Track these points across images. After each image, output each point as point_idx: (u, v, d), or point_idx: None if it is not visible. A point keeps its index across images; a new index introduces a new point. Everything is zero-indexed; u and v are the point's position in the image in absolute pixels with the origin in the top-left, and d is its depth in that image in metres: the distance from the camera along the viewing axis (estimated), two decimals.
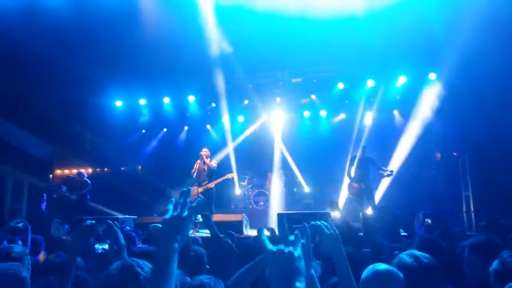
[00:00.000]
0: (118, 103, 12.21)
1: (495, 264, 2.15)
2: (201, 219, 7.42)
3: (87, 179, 10.15)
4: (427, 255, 2.05)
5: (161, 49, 8.84)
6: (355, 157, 9.14)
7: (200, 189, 8.71)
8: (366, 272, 1.88)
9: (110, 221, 2.51)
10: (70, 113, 10.59)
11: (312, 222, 1.56)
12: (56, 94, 9.99)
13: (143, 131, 12.97)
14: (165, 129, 13.08)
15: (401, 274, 1.87)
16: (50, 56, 9.36)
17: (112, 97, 11.99)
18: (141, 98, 12.06)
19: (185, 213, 1.37)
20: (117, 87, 11.12)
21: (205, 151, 8.81)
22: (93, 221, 2.46)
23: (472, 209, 8.59)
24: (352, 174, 9.02)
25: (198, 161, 8.78)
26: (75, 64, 9.82)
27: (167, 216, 1.36)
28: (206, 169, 8.69)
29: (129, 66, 9.61)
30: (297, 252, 1.25)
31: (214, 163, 8.79)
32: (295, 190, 11.25)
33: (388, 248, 3.49)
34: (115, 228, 2.49)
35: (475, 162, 8.75)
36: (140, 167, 12.62)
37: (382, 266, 1.90)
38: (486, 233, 3.25)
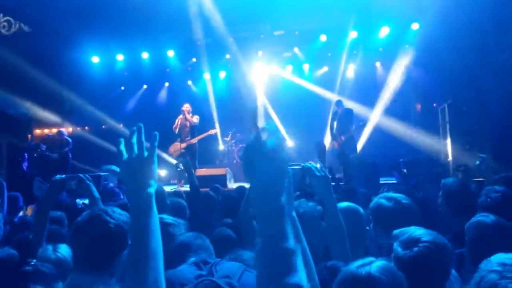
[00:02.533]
0: (95, 59, 11.73)
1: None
2: (182, 167, 7.35)
3: (67, 137, 9.91)
4: (404, 196, 2.03)
5: (138, 1, 8.41)
6: (335, 112, 9.14)
7: (183, 145, 8.65)
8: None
9: (81, 175, 2.45)
10: (47, 71, 10.15)
11: (303, 164, 1.49)
12: (31, 50, 9.52)
13: (122, 88, 12.61)
14: (145, 86, 12.73)
15: (361, 210, 2.03)
16: (22, 14, 8.84)
17: (88, 53, 11.49)
18: (119, 54, 11.58)
19: (145, 153, 1.19)
20: (93, 42, 10.61)
21: (186, 107, 8.66)
22: (63, 176, 2.40)
23: (450, 157, 8.74)
24: (334, 128, 9.06)
25: (180, 116, 8.66)
26: (48, 17, 9.29)
27: (124, 157, 1.18)
28: (188, 125, 8.59)
29: (105, 19, 9.17)
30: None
31: (195, 119, 8.68)
32: None
33: (360, 194, 3.52)
34: (88, 182, 2.42)
35: (454, 112, 8.81)
36: (121, 125, 12.35)
37: (344, 203, 2.04)
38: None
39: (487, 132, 8.11)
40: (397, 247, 1.50)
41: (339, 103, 9.09)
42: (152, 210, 1.16)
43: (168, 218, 2.09)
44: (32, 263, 1.55)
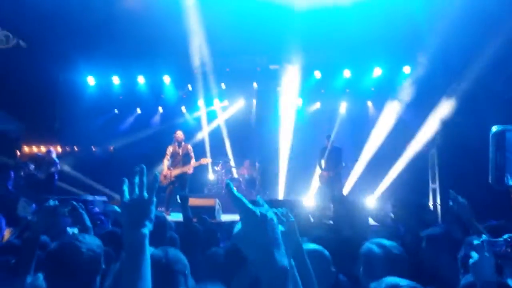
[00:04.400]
0: (90, 81, 11.80)
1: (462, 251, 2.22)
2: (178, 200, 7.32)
3: (55, 157, 9.83)
4: (396, 245, 2.08)
5: (137, 25, 8.56)
6: (325, 147, 9.29)
7: (174, 172, 8.62)
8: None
9: (74, 203, 2.44)
10: (40, 89, 10.18)
11: (274, 209, 1.52)
12: (25, 69, 9.57)
13: (116, 111, 12.65)
14: (138, 110, 12.80)
15: (326, 252, 2.07)
16: (19, 29, 8.92)
17: (84, 74, 11.57)
18: (115, 76, 11.66)
19: (146, 194, 1.27)
20: (89, 62, 10.71)
21: (180, 134, 8.68)
22: (57, 202, 2.39)
23: (438, 202, 8.85)
24: (323, 164, 9.23)
25: (173, 144, 8.66)
26: (46, 34, 9.39)
27: (125, 199, 1.25)
28: (180, 153, 8.57)
29: (104, 41, 9.26)
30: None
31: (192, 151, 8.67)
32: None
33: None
34: (80, 211, 2.42)
35: (443, 156, 8.99)
36: (112, 147, 12.32)
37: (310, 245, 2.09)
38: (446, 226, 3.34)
39: (475, 179, 8.26)
40: None
41: (328, 137, 9.30)
42: (144, 251, 1.20)
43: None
44: None
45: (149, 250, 1.22)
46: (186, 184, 8.60)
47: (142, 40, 9.29)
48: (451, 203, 3.22)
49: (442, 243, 2.49)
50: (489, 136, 1.39)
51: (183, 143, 8.66)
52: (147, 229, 1.24)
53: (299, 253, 1.74)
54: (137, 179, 1.29)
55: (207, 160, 8.76)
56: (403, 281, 1.55)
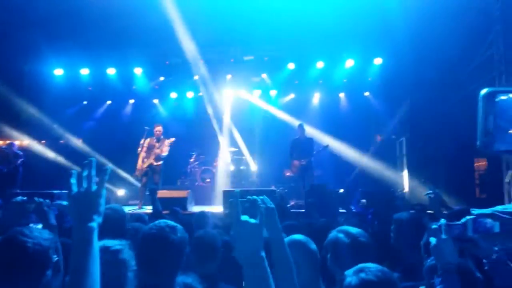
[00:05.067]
0: (58, 72, 11.35)
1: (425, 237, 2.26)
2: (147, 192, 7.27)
3: (18, 151, 9.46)
4: (362, 232, 2.09)
5: (108, 15, 8.32)
6: (297, 137, 9.43)
7: (146, 164, 8.51)
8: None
9: (37, 199, 2.35)
10: (4, 80, 9.74)
11: (249, 197, 1.51)
12: None
13: (85, 102, 12.29)
14: (109, 102, 12.47)
15: (311, 243, 2.06)
16: None
17: (52, 65, 11.11)
18: (84, 68, 11.29)
19: (94, 187, 1.25)
20: (57, 54, 10.30)
21: (160, 129, 8.61)
22: (25, 198, 2.31)
23: (406, 189, 9.09)
24: (295, 154, 9.33)
25: (151, 138, 8.59)
26: (10, 28, 8.98)
27: (73, 192, 1.24)
28: (157, 147, 8.52)
29: (72, 31, 8.96)
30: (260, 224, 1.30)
31: (166, 150, 8.55)
32: (242, 168, 11.28)
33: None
34: (44, 207, 2.33)
35: (412, 144, 9.22)
36: (81, 140, 11.97)
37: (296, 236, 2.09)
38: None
39: (442, 167, 8.54)
40: (346, 276, 1.55)
41: (300, 126, 9.40)
42: (91, 245, 1.19)
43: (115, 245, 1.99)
44: None
45: (97, 244, 1.22)
46: (159, 177, 8.48)
47: (113, 31, 9.04)
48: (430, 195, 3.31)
49: (409, 227, 2.54)
50: (478, 100, 1.35)
51: (162, 137, 8.58)
52: (95, 223, 1.23)
53: (278, 240, 1.75)
54: (85, 172, 1.27)
55: (170, 140, 8.68)
56: (371, 265, 1.57)
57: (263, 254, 1.26)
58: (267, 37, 9.69)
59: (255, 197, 1.61)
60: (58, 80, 11.36)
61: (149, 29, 9.14)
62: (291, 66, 11.11)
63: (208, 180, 10.89)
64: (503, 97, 1.32)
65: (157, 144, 8.52)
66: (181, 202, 7.44)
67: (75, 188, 1.24)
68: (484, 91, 1.36)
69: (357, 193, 7.47)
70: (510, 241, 1.39)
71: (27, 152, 10.02)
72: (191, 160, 11.34)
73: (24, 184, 8.83)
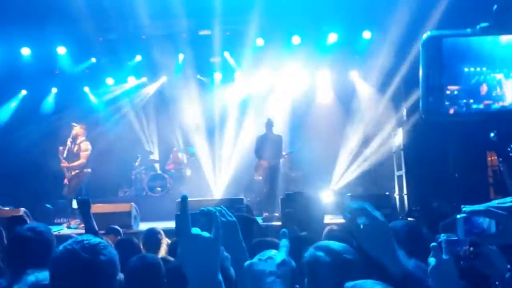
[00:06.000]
0: None
1: None
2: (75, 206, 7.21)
3: None
4: (347, 248, 2.09)
5: None
6: (264, 134, 9.57)
7: (73, 173, 8.45)
8: None
9: None
10: None
11: (203, 208, 1.50)
12: None
13: None
14: (24, 91, 12.04)
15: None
16: None
17: None
18: None
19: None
20: None
21: (77, 129, 8.67)
22: None
23: (405, 191, 9.31)
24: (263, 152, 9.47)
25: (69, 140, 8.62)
26: None
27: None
28: (74, 151, 8.62)
29: None
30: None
31: (88, 149, 8.68)
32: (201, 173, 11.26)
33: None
34: None
35: (409, 140, 9.44)
36: None
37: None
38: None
39: (446, 163, 8.81)
40: None
41: (270, 124, 9.56)
42: None
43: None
44: None
45: None
46: (81, 186, 8.62)
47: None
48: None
49: (405, 238, 2.57)
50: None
51: (80, 138, 8.66)
52: None
53: (242, 255, 1.75)
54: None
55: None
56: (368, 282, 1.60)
57: (219, 277, 1.25)
58: (228, 6, 9.66)
59: (210, 208, 1.60)
60: None
61: None
62: (259, 42, 11.10)
63: (158, 188, 10.78)
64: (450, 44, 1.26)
65: (73, 147, 8.66)
66: (123, 218, 7.37)
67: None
68: (425, 36, 1.30)
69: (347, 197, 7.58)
70: (506, 241, 1.35)
71: None
72: (136, 163, 11.20)
73: None
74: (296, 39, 11.02)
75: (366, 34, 10.70)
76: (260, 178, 9.95)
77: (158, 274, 2.55)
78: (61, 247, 1.70)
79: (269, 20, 10.41)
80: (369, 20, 10.24)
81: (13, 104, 11.91)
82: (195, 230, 1.28)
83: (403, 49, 9.16)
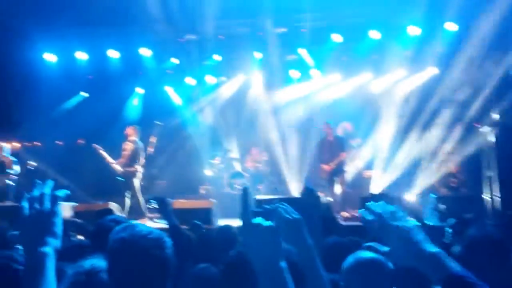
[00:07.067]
0: (50, 58, 11.58)
1: None
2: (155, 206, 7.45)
3: (11, 155, 9.81)
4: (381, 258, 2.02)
5: None
6: (325, 138, 9.70)
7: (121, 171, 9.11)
8: (348, 261, 2.05)
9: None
10: None
11: (266, 206, 1.50)
12: None
13: (86, 94, 12.58)
14: (112, 93, 12.66)
15: (390, 264, 2.01)
16: None
17: (42, 50, 11.38)
18: (79, 51, 11.47)
19: (47, 205, 1.35)
20: (46, 36, 10.55)
21: (128, 130, 9.35)
22: None
23: (496, 193, 8.72)
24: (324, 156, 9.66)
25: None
26: None
27: (23, 216, 1.33)
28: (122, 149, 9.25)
29: (62, 8, 9.17)
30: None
31: (128, 149, 9.16)
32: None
33: None
34: None
35: (503, 136, 8.85)
36: (82, 141, 12.29)
37: (367, 254, 2.09)
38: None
39: None
40: None
41: (329, 126, 9.69)
42: (43, 273, 1.27)
43: None
44: None
45: (52, 271, 1.28)
46: (130, 185, 9.05)
47: (111, 5, 9.16)
48: None
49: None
50: None
51: (129, 138, 9.29)
52: (49, 247, 1.31)
53: (308, 259, 1.76)
54: (37, 192, 1.39)
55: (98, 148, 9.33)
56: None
57: (282, 264, 1.30)
58: (304, 3, 9.57)
59: (276, 205, 1.67)
60: (51, 69, 11.54)
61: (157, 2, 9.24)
62: (336, 38, 10.89)
63: (238, 186, 10.89)
64: None
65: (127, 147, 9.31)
66: (204, 215, 7.47)
67: (27, 211, 1.34)
68: None
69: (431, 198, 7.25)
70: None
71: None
72: (216, 162, 11.37)
73: None
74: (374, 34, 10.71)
75: (451, 26, 10.16)
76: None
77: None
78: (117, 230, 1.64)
79: (347, 15, 10.23)
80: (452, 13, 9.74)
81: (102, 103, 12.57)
82: (257, 220, 1.34)
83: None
